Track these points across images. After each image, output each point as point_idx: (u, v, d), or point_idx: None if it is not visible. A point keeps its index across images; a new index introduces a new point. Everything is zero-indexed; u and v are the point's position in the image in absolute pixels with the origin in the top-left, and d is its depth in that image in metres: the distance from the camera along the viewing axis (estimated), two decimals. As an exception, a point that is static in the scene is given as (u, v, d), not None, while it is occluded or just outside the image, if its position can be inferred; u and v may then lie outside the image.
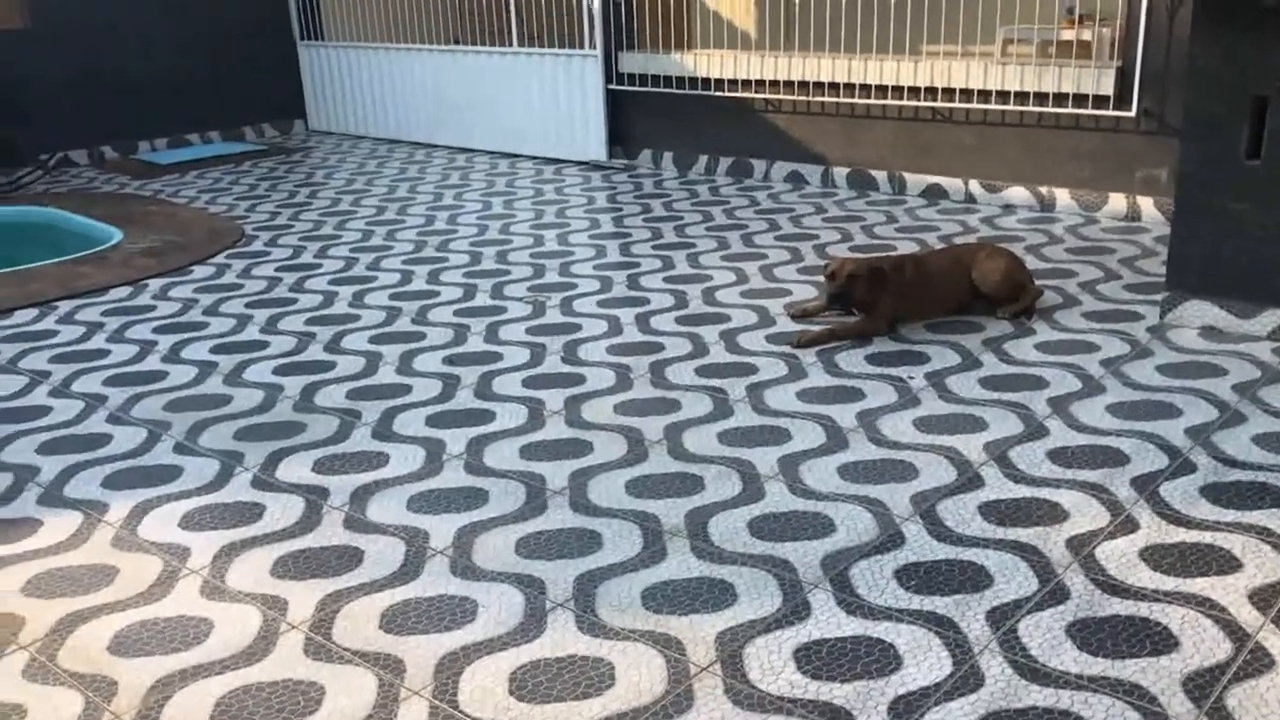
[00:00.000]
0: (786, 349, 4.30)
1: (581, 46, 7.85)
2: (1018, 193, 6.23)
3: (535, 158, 8.33)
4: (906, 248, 5.59)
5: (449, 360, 4.36)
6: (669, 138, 7.65)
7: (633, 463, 3.45)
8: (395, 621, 2.70)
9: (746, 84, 7.08)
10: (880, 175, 6.73)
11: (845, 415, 3.70)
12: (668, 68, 7.40)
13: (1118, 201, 5.88)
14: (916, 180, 6.59)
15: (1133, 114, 5.67)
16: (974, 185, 6.37)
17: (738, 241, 5.86)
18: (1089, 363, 4.04)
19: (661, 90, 7.47)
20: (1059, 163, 6.05)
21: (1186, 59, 4.16)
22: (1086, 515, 3.02)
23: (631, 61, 7.57)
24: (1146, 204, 5.79)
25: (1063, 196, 6.07)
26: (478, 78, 8.48)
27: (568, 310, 4.89)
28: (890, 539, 2.96)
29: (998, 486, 3.19)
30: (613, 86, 7.70)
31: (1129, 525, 2.97)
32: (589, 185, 7.43)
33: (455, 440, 3.65)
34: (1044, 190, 6.14)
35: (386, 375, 4.24)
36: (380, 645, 2.62)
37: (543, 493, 3.29)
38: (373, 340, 4.63)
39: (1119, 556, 2.83)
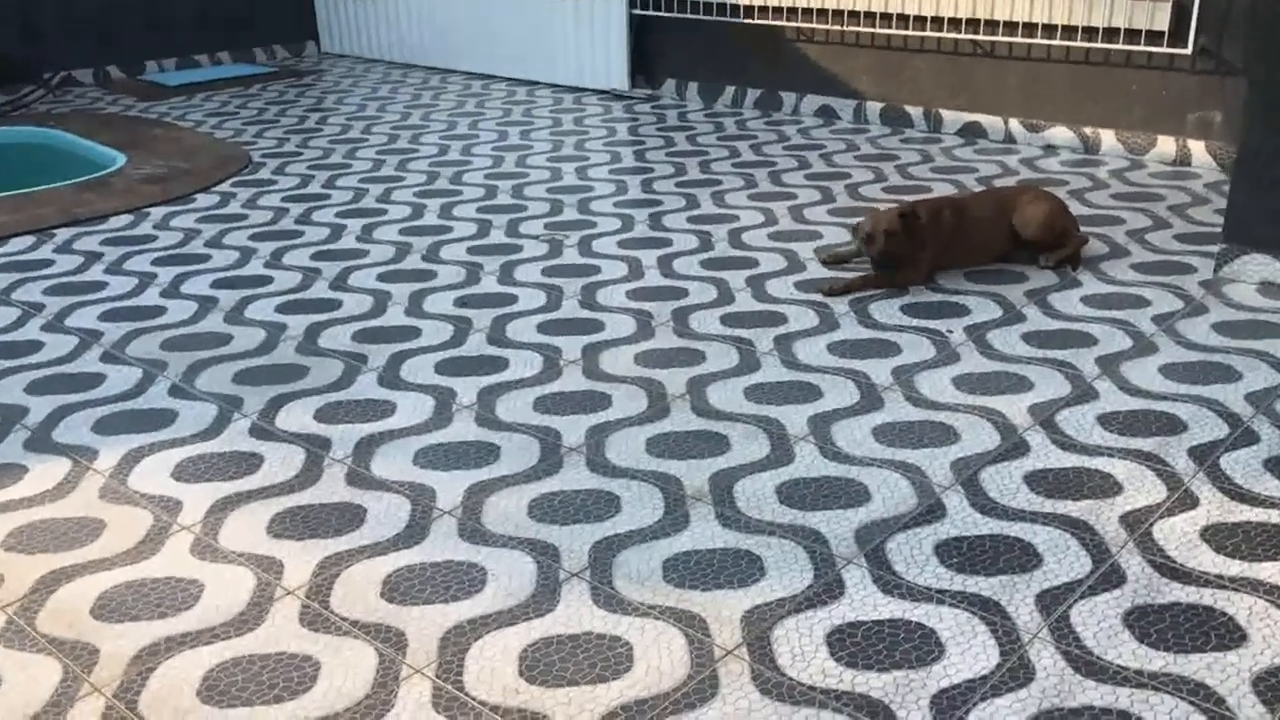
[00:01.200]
0: (817, 297, 4.07)
1: (605, -31, 7.52)
2: (1060, 133, 5.92)
3: (555, 85, 8.02)
4: (942, 189, 5.32)
5: (461, 302, 4.15)
6: (695, 67, 7.33)
7: (654, 419, 3.24)
8: (398, 589, 2.52)
9: (778, 11, 6.73)
10: (916, 112, 6.41)
11: (880, 371, 3.48)
12: (695, -7, 7.08)
13: (1167, 145, 5.58)
14: (954, 118, 6.27)
15: (1188, 52, 5.34)
16: (1014, 124, 6.06)
17: (765, 180, 5.59)
18: (1140, 319, 3.79)
19: (688, 16, 7.13)
20: (1106, 102, 5.73)
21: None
22: (1142, 489, 2.81)
23: (657, -14, 7.24)
24: (1198, 148, 5.49)
25: (1108, 138, 5.76)
26: (496, 0, 8.14)
27: (586, 251, 4.66)
28: (930, 510, 2.75)
29: (1045, 454, 2.98)
30: (636, 11, 7.34)
31: (1188, 501, 2.75)
32: (610, 116, 7.13)
33: (466, 390, 3.46)
34: (1089, 131, 5.83)
35: (395, 316, 4.03)
36: (381, 615, 2.44)
37: (558, 450, 3.09)
38: (381, 278, 4.41)
39: (1179, 536, 2.62)
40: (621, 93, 7.63)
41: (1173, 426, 3.10)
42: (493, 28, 8.23)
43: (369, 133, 6.81)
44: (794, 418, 3.22)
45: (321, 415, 3.33)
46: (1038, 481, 2.86)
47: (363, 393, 3.46)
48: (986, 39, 5.98)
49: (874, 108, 6.57)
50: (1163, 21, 5.37)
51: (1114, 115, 5.72)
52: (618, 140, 6.50)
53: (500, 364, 3.63)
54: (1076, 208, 4.81)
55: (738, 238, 4.75)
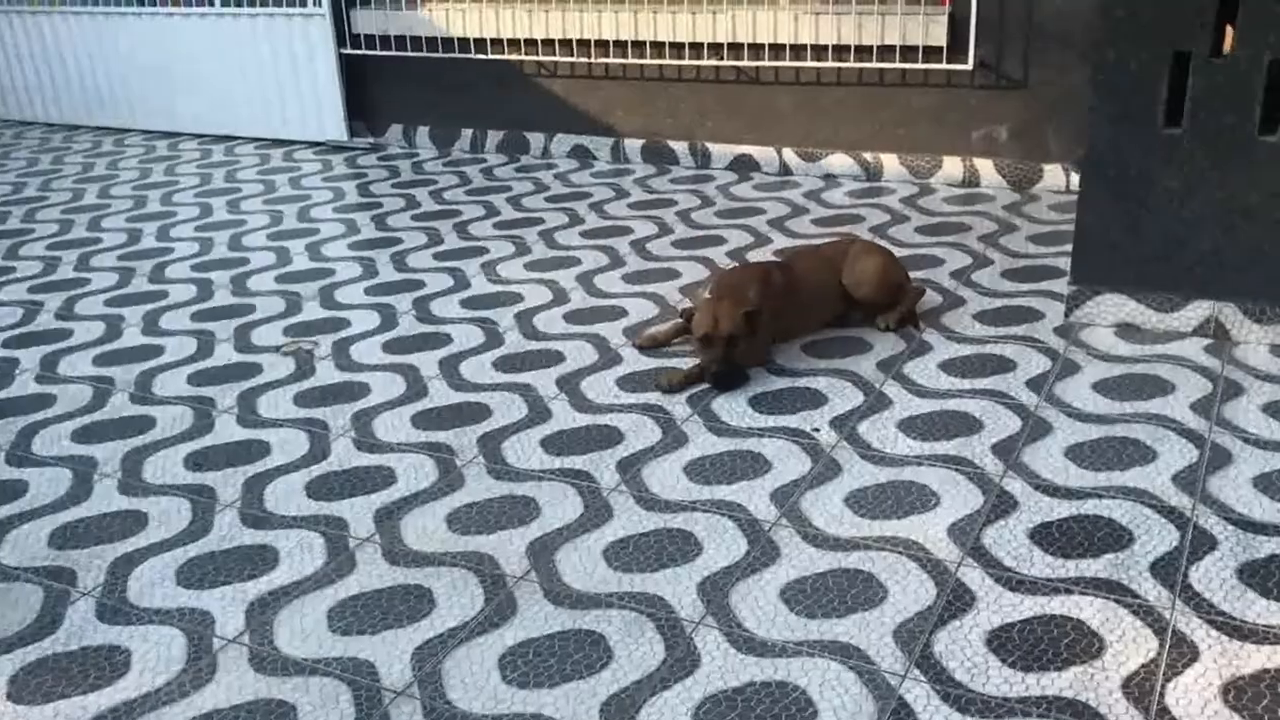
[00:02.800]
0: (651, 397, 3.37)
1: (304, 4, 6.51)
2: (840, 161, 5.52)
3: (259, 140, 6.90)
4: (737, 237, 4.76)
5: (195, 463, 3.19)
6: (422, 110, 6.47)
7: (499, 623, 2.47)
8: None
9: (513, 44, 6.00)
10: (680, 147, 5.85)
11: (758, 499, 2.81)
12: (414, 26, 6.20)
13: (953, 166, 5.27)
14: (722, 151, 5.75)
15: (968, 66, 5.03)
16: (789, 154, 5.61)
17: (538, 242, 4.83)
18: (1014, 387, 3.32)
19: (409, 54, 6.26)
20: (886, 125, 5.36)
21: (1099, 7, 3.48)
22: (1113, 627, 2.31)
23: (368, 20, 6.31)
24: (985, 167, 5.21)
25: (891, 163, 5.41)
26: (174, 44, 6.93)
27: (344, 362, 3.73)
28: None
29: (995, 604, 2.41)
30: (347, 51, 6.42)
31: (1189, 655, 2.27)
32: (332, 173, 6.15)
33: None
34: (869, 157, 5.45)
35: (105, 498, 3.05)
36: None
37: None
38: (78, 438, 3.35)
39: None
40: (340, 144, 6.65)
41: (1113, 534, 2.62)
42: (175, 76, 6.99)
43: (33, 220, 5.54)
44: (681, 588, 2.50)
45: None
46: (997, 641, 2.30)
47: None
48: (750, 64, 5.50)
49: (633, 145, 5.95)
50: (939, 35, 5.03)
51: (895, 138, 5.36)
52: (349, 204, 5.55)
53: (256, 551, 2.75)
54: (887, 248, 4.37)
55: (529, 323, 3.96)
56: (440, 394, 3.46)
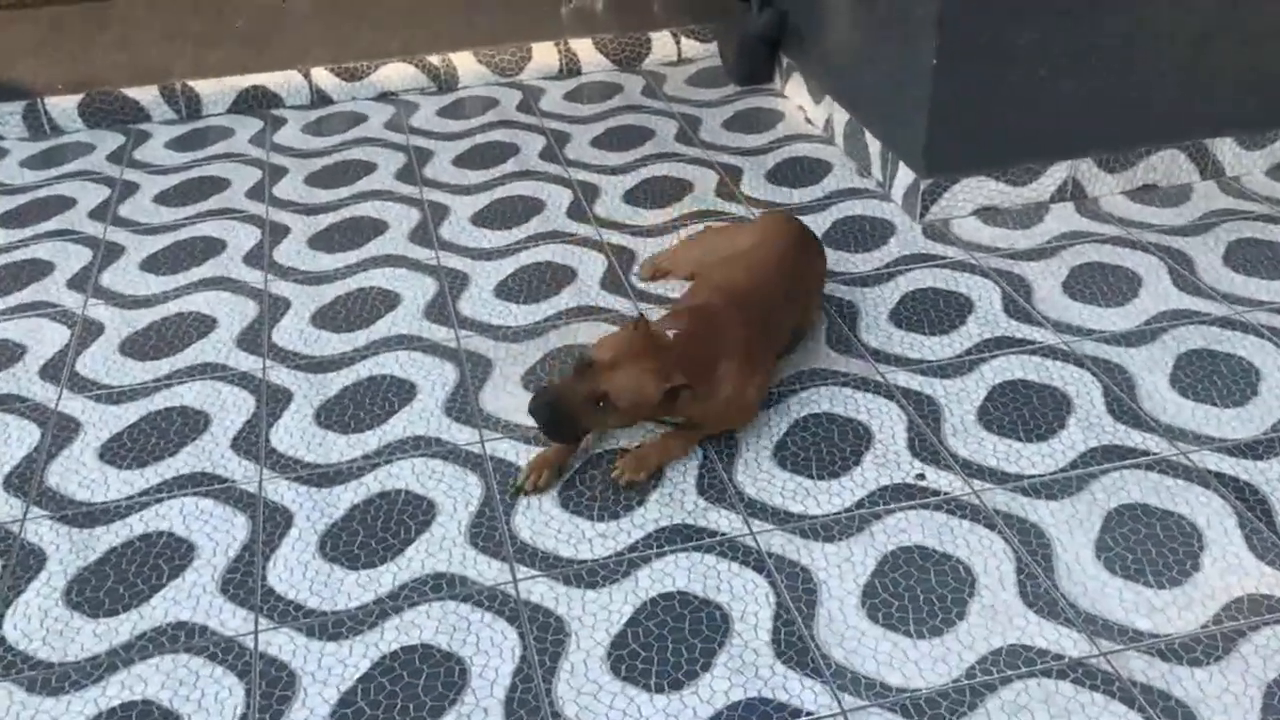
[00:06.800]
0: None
1: None
2: (396, 72, 4.08)
3: None
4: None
5: None
6: None
7: None
8: None
9: None
10: (147, 95, 3.93)
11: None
12: None
13: (545, 54, 4.17)
14: (216, 90, 3.95)
15: (551, -74, 3.96)
16: (321, 76, 4.05)
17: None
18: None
19: None
20: (448, 13, 4.06)
21: None
22: None
23: None
24: (584, 48, 4.19)
25: (466, 63, 4.14)
26: None
27: None
28: None
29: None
30: None
31: None
32: None
33: None
34: (435, 60, 4.12)
35: None
36: None
37: None
38: None
39: None
40: None
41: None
42: None
43: None
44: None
45: None
46: None
47: None
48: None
49: (65, 106, 3.89)
50: (511, -110, 3.86)
51: (464, 30, 4.09)
52: None
53: None
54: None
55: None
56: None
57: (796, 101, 3.89)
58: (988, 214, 3.18)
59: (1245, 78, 3.20)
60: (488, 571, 2.09)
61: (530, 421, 2.30)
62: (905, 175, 3.18)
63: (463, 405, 2.52)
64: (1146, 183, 3.26)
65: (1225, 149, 3.27)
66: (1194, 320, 2.70)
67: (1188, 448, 2.31)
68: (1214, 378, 2.51)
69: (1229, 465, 2.26)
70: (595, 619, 1.99)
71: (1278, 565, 2.03)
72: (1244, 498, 2.18)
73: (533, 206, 3.35)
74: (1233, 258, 2.93)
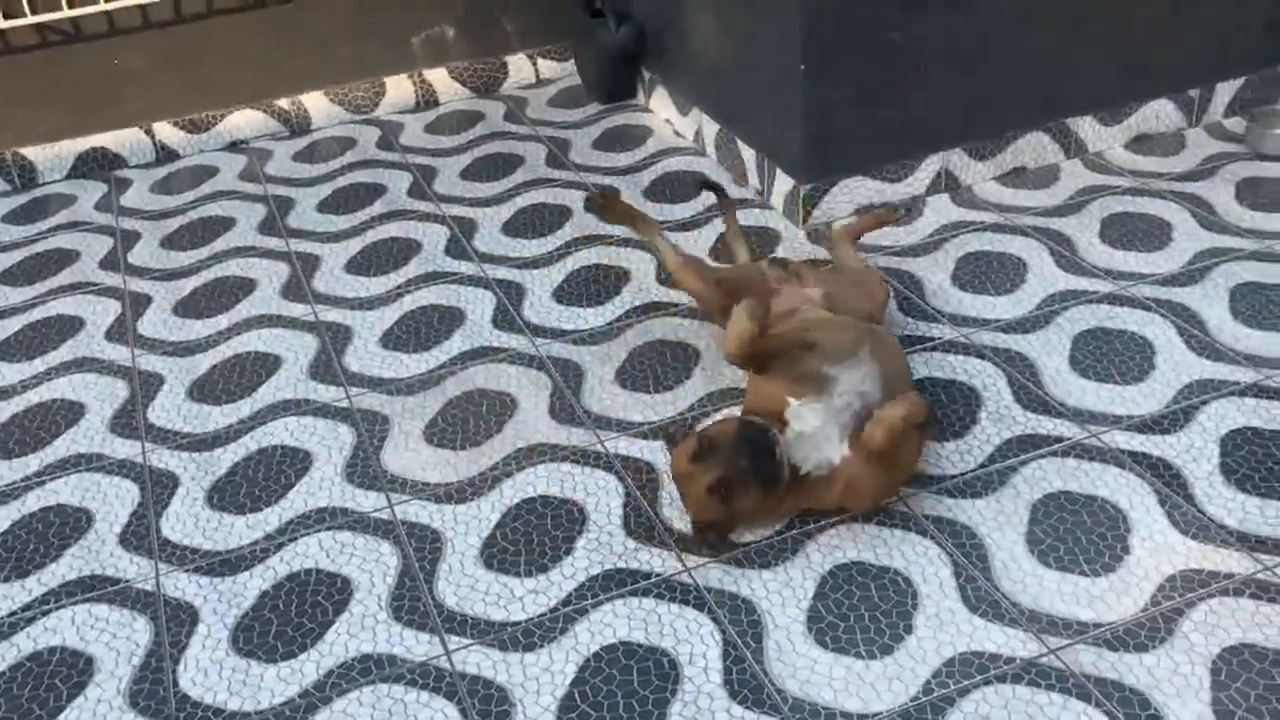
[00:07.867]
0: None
1: None
2: (245, 120, 3.89)
3: None
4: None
5: None
6: None
7: None
8: None
9: None
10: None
11: None
12: None
13: (399, 88, 4.03)
14: (52, 156, 3.70)
15: (391, -43, 3.82)
16: (164, 131, 3.83)
17: None
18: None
19: None
20: (293, 55, 3.88)
21: None
22: None
23: None
24: (439, 78, 4.07)
25: (317, 104, 3.97)
26: None
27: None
28: None
29: None
30: None
31: None
32: None
33: None
34: (285, 104, 3.94)
35: None
36: None
37: None
38: None
39: None
40: None
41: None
42: None
43: None
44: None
45: None
46: None
47: None
48: (65, 14, 3.53)
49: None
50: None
51: (310, 70, 3.90)
52: None
53: None
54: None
55: None
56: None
57: (663, 115, 3.85)
58: (868, 213, 3.20)
59: (1103, 55, 3.28)
60: (416, 647, 1.98)
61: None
62: (784, 181, 3.17)
63: (364, 469, 2.40)
64: (1015, 166, 3.33)
65: (1086, 126, 3.36)
66: (1083, 300, 2.75)
67: (1098, 429, 2.35)
68: (1111, 356, 2.56)
69: (1139, 442, 2.30)
70: (538, 683, 1.90)
71: (1201, 538, 2.07)
72: (1159, 474, 2.22)
73: (409, 248, 3.23)
74: (1108, 233, 3.01)
